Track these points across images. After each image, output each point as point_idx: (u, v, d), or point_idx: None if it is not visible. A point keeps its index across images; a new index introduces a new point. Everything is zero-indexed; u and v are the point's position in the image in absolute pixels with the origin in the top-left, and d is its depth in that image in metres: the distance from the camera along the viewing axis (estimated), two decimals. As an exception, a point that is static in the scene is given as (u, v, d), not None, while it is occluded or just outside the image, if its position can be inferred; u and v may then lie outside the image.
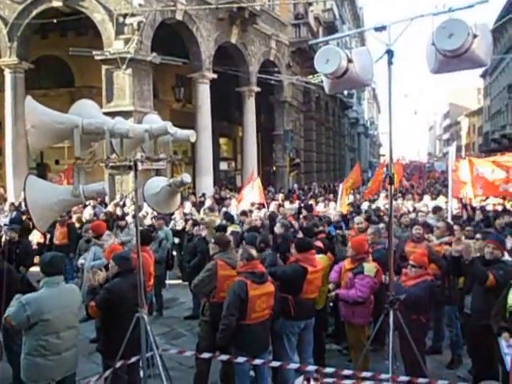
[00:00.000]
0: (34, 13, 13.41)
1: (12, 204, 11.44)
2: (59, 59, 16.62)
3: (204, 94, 15.91)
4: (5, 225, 9.39)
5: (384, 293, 4.16)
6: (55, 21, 13.18)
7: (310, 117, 26.25)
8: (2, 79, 14.33)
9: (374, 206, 11.56)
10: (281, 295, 4.54)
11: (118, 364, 3.88)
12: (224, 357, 4.26)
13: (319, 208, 10.81)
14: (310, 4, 23.65)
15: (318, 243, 5.71)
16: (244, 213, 9.27)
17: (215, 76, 16.02)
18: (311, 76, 18.09)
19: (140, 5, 12.56)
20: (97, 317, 4.27)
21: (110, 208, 10.68)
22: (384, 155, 66.51)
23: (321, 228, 6.96)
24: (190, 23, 14.78)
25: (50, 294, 3.69)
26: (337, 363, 4.98)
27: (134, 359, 3.99)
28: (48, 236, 9.42)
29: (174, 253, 8.27)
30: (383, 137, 70.97)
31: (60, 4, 13.11)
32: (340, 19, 32.95)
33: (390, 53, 3.57)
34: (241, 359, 4.11)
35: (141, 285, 3.80)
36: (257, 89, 18.70)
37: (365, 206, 11.91)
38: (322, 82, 4.08)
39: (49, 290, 3.71)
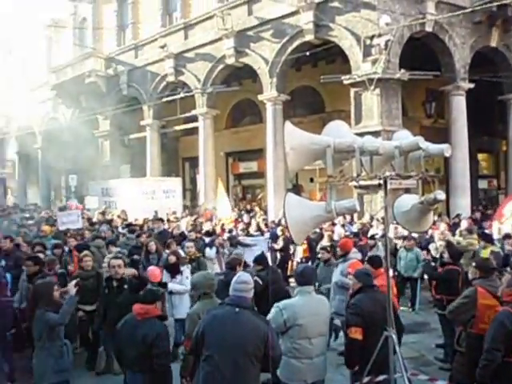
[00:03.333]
0: (290, 49, 14.86)
1: (272, 221, 12.91)
2: (311, 88, 18.08)
3: (459, 106, 14.69)
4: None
5: None
6: (308, 53, 14.39)
7: None
8: (264, 111, 16.47)
9: None
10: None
11: (366, 379, 3.90)
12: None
13: None
14: None
15: None
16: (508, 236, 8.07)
17: (471, 86, 14.61)
18: None
19: (387, 24, 12.55)
20: (361, 337, 4.03)
21: (357, 226, 10.86)
22: None
23: None
24: (441, 33, 13.96)
25: (303, 302, 3.99)
26: None
27: (381, 377, 3.95)
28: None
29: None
30: None
31: (312, 37, 14.23)
32: None
33: None
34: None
35: (389, 303, 3.77)
36: (525, 95, 16.14)
37: None
38: None
39: (302, 297, 4.02)
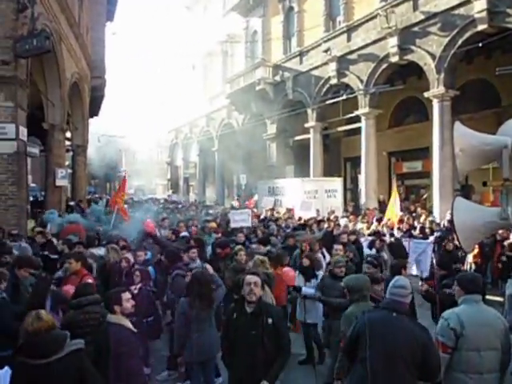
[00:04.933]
0: (460, 41, 14.00)
1: (437, 224, 12.39)
2: (484, 81, 16.67)
3: None
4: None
5: None
6: (480, 44, 13.38)
7: None
8: (430, 109, 15.82)
9: None
10: None
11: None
12: None
13: None
14: None
15: None
16: None
17: None
18: None
19: None
20: None
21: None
22: None
23: None
24: None
25: (469, 311, 3.76)
26: None
27: None
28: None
29: None
30: None
31: (485, 27, 13.18)
32: None
33: None
34: None
35: None
36: None
37: None
38: None
39: (467, 306, 3.80)
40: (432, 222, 12.78)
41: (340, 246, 7.39)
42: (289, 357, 4.03)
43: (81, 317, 4.39)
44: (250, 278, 4.06)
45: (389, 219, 12.90)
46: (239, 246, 7.39)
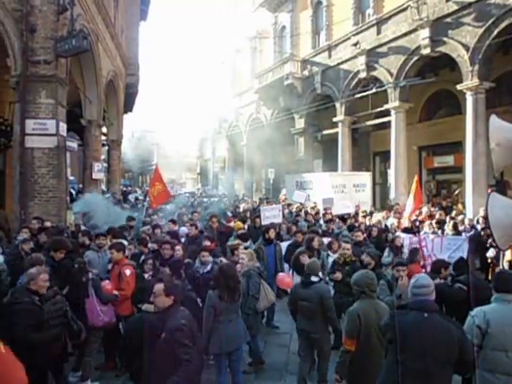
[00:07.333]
0: (496, 32, 13.57)
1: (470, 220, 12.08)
2: (521, 73, 16.14)
3: None
4: None
5: None
6: (518, 34, 12.97)
7: None
8: (463, 102, 15.41)
9: None
10: None
11: None
12: None
13: None
14: None
15: None
16: None
17: None
18: None
19: None
20: None
21: None
22: None
23: None
24: None
25: (498, 310, 3.71)
26: None
27: None
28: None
29: None
30: None
31: (521, 15, 12.83)
32: None
33: None
34: None
35: None
36: None
37: None
38: None
39: (497, 305, 3.76)
40: (471, 220, 12.34)
41: (348, 245, 6.99)
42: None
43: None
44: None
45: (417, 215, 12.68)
46: (237, 241, 7.31)
